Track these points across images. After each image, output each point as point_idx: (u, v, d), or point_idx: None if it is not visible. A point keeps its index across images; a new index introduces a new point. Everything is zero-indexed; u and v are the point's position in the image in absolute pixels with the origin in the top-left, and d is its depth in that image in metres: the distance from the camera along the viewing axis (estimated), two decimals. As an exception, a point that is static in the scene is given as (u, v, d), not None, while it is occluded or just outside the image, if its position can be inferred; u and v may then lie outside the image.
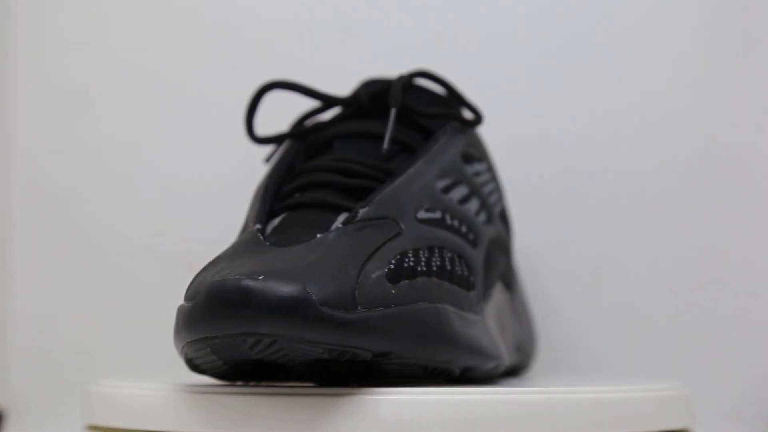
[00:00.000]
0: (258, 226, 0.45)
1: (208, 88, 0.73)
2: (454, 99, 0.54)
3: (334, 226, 0.44)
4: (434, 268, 0.45)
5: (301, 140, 0.52)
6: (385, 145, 0.48)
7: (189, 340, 0.41)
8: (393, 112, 0.49)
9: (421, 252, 0.45)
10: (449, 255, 0.47)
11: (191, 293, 0.42)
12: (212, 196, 0.72)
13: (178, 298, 0.75)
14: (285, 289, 0.39)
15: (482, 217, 0.51)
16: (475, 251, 0.49)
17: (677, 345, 0.69)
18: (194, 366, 0.44)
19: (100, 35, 0.74)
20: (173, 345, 0.44)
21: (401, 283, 0.43)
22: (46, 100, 0.74)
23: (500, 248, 0.54)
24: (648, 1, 0.72)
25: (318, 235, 0.44)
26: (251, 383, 0.46)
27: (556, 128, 0.71)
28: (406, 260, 0.44)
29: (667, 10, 0.71)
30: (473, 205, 0.51)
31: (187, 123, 0.73)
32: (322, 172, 0.48)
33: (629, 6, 0.72)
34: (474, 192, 0.51)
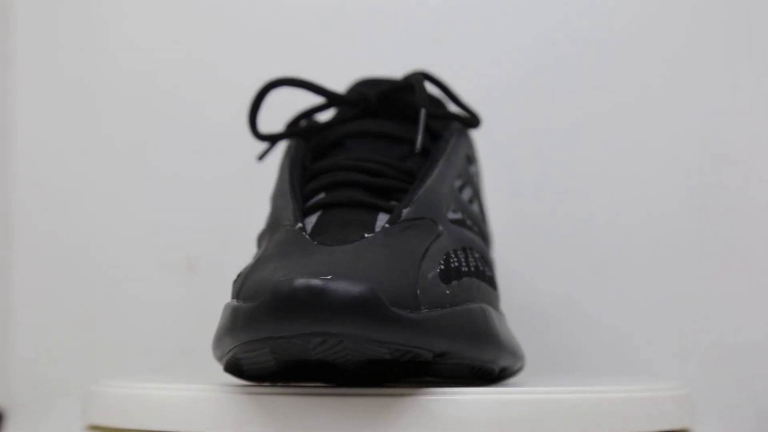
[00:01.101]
0: (300, 224, 0.45)
1: (208, 88, 0.73)
2: (452, 100, 0.54)
3: (379, 226, 0.44)
4: (472, 269, 0.46)
5: (306, 139, 0.51)
6: (418, 145, 0.48)
7: (248, 340, 0.41)
8: (423, 112, 0.49)
9: (459, 252, 0.45)
10: (476, 255, 0.47)
11: (249, 293, 0.41)
12: (212, 196, 0.72)
13: (178, 298, 0.75)
14: (356, 289, 0.39)
15: (482, 216, 0.52)
16: (489, 250, 0.49)
17: (677, 345, 0.70)
18: (235, 367, 0.44)
19: (101, 35, 0.74)
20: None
21: (452, 283, 0.44)
22: (47, 100, 0.74)
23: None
24: (650, 5, 0.72)
25: (366, 235, 0.44)
26: (279, 384, 0.45)
27: (556, 128, 0.71)
28: (452, 261, 0.45)
29: (667, 11, 0.72)
30: (476, 206, 0.51)
31: (187, 123, 0.73)
32: (347, 171, 0.48)
33: (630, 6, 0.72)
34: (475, 193, 0.51)
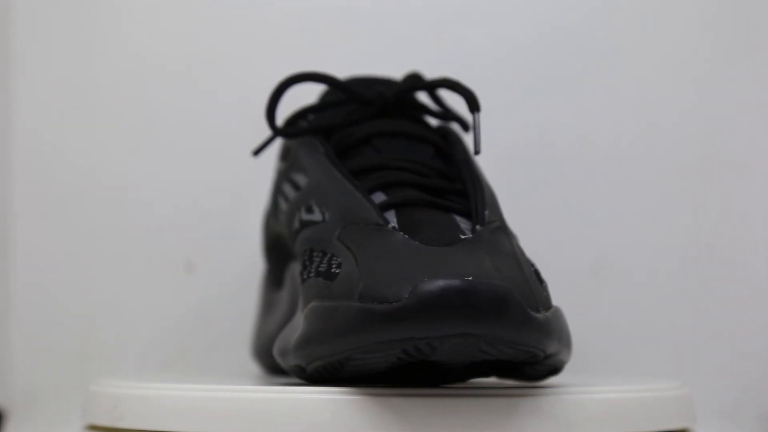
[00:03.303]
0: (392, 224, 0.44)
1: (208, 88, 0.73)
2: (439, 105, 0.54)
3: (464, 228, 0.44)
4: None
5: (325, 136, 0.51)
6: (479, 148, 0.48)
7: (385, 340, 0.40)
8: (478, 116, 0.48)
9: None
10: None
11: (375, 293, 0.40)
12: (212, 196, 0.72)
13: (178, 298, 0.75)
14: (501, 290, 0.39)
15: None
16: None
17: (677, 345, 0.70)
18: (331, 370, 0.42)
19: (101, 35, 0.74)
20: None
21: (543, 284, 0.44)
22: (47, 99, 0.74)
23: None
24: (648, 3, 0.72)
25: (461, 236, 0.43)
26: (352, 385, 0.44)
27: (557, 129, 0.71)
28: (532, 263, 0.45)
29: (667, 12, 0.71)
30: None
31: (187, 123, 0.73)
32: (397, 171, 0.48)
33: (630, 8, 0.72)
34: None
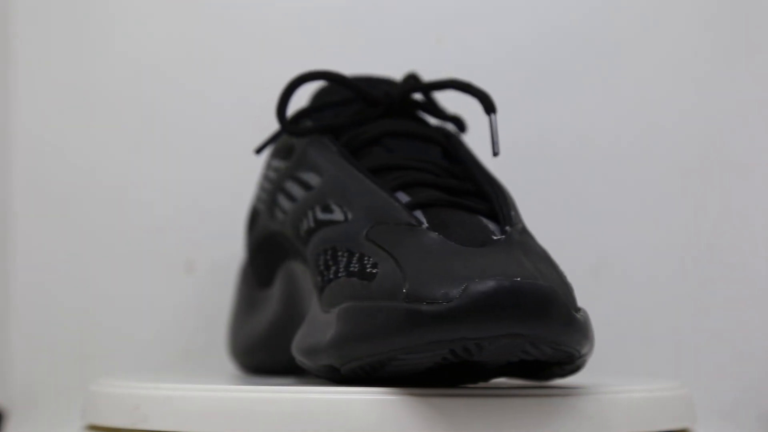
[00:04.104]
0: (425, 224, 0.44)
1: (208, 87, 0.73)
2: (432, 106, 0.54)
3: (504, 229, 0.44)
4: None
5: (335, 135, 0.50)
6: (497, 148, 0.48)
7: (434, 340, 0.40)
8: (494, 118, 0.49)
9: None
10: None
11: (436, 295, 0.40)
12: (212, 196, 0.72)
13: (178, 298, 0.75)
14: (548, 292, 0.40)
15: None
16: None
17: (677, 345, 0.70)
18: (368, 370, 0.42)
19: (100, 35, 0.74)
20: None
21: (570, 285, 0.44)
22: (47, 99, 0.74)
23: None
24: (648, 3, 0.72)
25: (493, 237, 0.44)
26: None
27: (556, 129, 0.71)
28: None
29: (667, 12, 0.71)
30: None
31: (188, 123, 0.73)
32: (416, 171, 0.48)
33: (630, 8, 0.72)
34: None
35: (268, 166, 0.56)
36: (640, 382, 0.49)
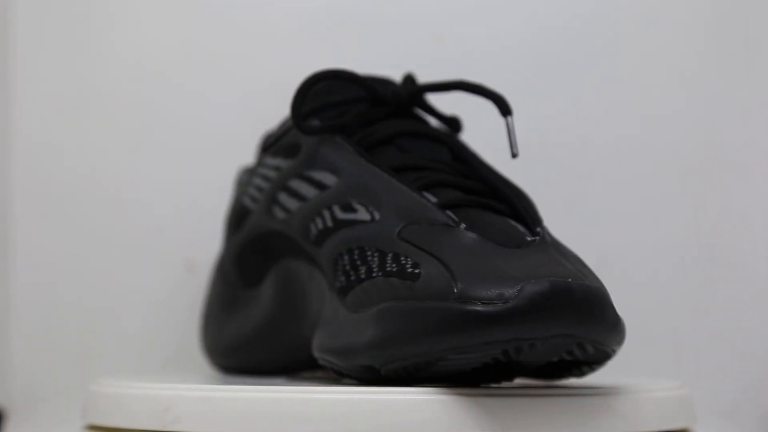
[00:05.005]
0: (463, 225, 0.44)
1: (208, 87, 0.73)
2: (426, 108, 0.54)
3: (535, 230, 0.45)
4: None
5: (348, 134, 0.50)
6: (516, 150, 0.49)
7: (490, 340, 0.40)
8: (511, 120, 0.49)
9: None
10: None
11: (491, 295, 0.40)
12: (212, 196, 0.72)
13: (178, 298, 0.75)
14: (599, 293, 0.41)
15: None
16: None
17: (677, 345, 0.70)
18: (412, 370, 0.42)
19: (100, 35, 0.74)
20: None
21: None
22: (47, 99, 0.74)
23: None
24: (648, 3, 0.72)
25: (527, 239, 0.44)
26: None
27: (556, 128, 0.71)
28: None
29: (666, 11, 0.71)
30: None
31: (188, 123, 0.73)
32: (436, 172, 0.48)
33: (629, 7, 0.72)
34: None
35: (263, 164, 0.55)
36: (640, 382, 0.49)
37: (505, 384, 0.46)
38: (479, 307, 0.40)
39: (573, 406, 0.43)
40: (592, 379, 0.47)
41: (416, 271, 0.43)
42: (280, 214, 0.52)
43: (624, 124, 0.71)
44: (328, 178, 0.49)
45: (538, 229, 0.45)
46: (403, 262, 0.43)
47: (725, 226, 0.70)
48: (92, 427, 0.47)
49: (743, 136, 0.70)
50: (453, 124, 0.54)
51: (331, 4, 0.73)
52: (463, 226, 0.44)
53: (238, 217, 0.58)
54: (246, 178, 0.58)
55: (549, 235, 0.45)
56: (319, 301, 0.50)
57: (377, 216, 0.46)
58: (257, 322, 0.56)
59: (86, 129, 0.73)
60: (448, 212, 0.45)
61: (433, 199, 0.46)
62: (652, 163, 0.71)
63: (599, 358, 0.43)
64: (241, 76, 0.73)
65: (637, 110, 0.71)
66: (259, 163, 0.56)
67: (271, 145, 0.53)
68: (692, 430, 0.48)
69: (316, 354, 0.47)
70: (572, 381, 0.48)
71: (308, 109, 0.51)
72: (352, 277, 0.45)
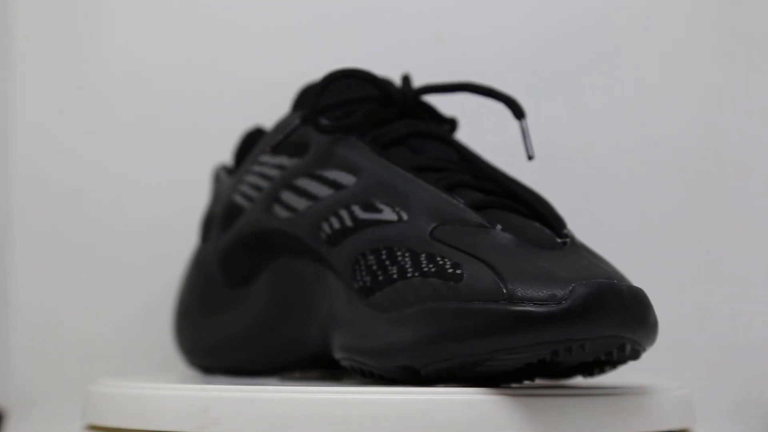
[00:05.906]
0: (499, 226, 0.44)
1: (208, 87, 0.73)
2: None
3: (563, 232, 0.45)
4: None
5: (361, 134, 0.50)
6: (532, 152, 0.49)
7: (542, 341, 0.40)
8: (525, 122, 0.49)
9: None
10: None
11: (542, 296, 0.40)
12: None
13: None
14: (643, 294, 0.41)
15: None
16: None
17: (677, 345, 0.69)
18: (461, 371, 0.42)
19: (100, 35, 0.74)
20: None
21: None
22: (47, 100, 0.74)
23: None
24: (649, 4, 0.72)
25: (557, 240, 0.44)
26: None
27: (556, 129, 0.71)
28: None
29: (667, 14, 0.71)
30: None
31: (188, 123, 0.73)
32: (454, 173, 0.48)
33: (630, 9, 0.72)
34: None
35: (260, 162, 0.54)
36: (640, 382, 0.49)
37: (503, 384, 0.46)
38: (531, 308, 0.40)
39: (573, 406, 0.43)
40: (592, 379, 0.47)
41: (458, 271, 0.42)
42: (282, 212, 0.51)
43: (624, 126, 0.71)
44: (344, 178, 0.49)
45: (565, 231, 0.45)
46: (441, 262, 0.43)
47: (725, 227, 0.70)
48: (92, 427, 0.47)
49: (746, 141, 0.70)
50: (451, 125, 0.54)
51: (331, 4, 0.73)
52: (499, 227, 0.44)
53: (229, 215, 0.56)
54: (235, 177, 0.56)
55: (575, 237, 0.46)
56: (327, 300, 0.49)
57: (405, 216, 0.46)
58: (248, 321, 0.55)
59: (85, 129, 0.73)
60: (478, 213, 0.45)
61: (461, 200, 0.46)
62: (653, 164, 0.71)
63: (630, 358, 0.43)
64: (240, 76, 0.73)
65: (638, 112, 0.71)
66: (256, 160, 0.55)
67: (279, 143, 0.52)
68: (692, 430, 0.48)
69: (340, 355, 0.47)
70: (572, 381, 0.48)
71: (321, 107, 0.51)
72: (380, 277, 0.45)
